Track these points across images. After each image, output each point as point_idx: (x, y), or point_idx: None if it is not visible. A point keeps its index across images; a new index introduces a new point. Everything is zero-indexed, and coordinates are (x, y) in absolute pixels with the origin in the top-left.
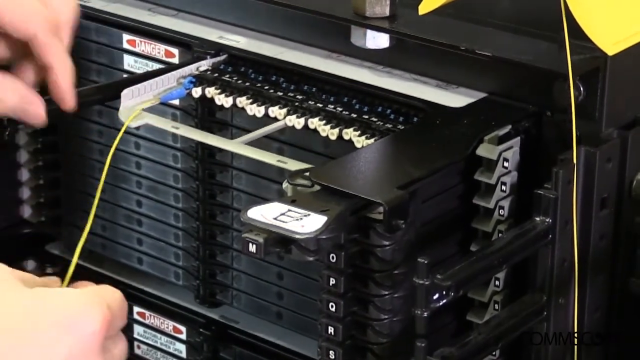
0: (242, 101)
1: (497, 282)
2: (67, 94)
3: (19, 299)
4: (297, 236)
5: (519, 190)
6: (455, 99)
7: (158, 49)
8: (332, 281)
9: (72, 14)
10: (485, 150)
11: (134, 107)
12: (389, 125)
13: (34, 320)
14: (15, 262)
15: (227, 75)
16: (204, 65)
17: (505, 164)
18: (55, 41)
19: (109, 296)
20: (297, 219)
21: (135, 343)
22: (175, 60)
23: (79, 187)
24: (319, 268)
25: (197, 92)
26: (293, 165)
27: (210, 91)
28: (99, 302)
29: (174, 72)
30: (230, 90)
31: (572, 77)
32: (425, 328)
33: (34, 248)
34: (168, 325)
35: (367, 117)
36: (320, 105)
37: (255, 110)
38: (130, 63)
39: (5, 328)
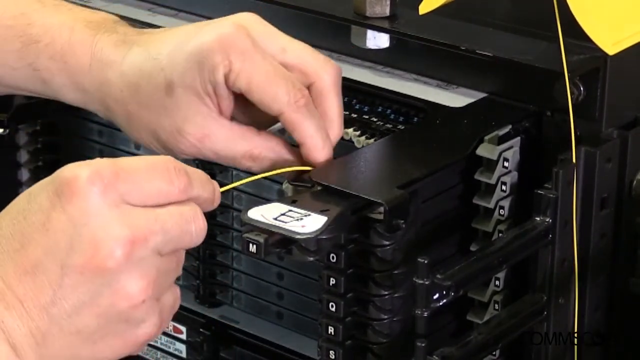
0: None
1: (497, 282)
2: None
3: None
4: (298, 236)
5: (519, 190)
6: (455, 99)
7: None
8: (332, 281)
9: (334, 78)
10: (485, 150)
11: None
12: (389, 125)
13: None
14: None
15: None
16: None
17: (506, 164)
18: (302, 117)
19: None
20: (297, 219)
21: None
22: None
23: None
24: (319, 268)
25: None
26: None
27: None
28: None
29: None
30: None
31: (571, 77)
32: (425, 328)
33: None
34: (168, 325)
35: (367, 117)
36: None
37: None
38: None
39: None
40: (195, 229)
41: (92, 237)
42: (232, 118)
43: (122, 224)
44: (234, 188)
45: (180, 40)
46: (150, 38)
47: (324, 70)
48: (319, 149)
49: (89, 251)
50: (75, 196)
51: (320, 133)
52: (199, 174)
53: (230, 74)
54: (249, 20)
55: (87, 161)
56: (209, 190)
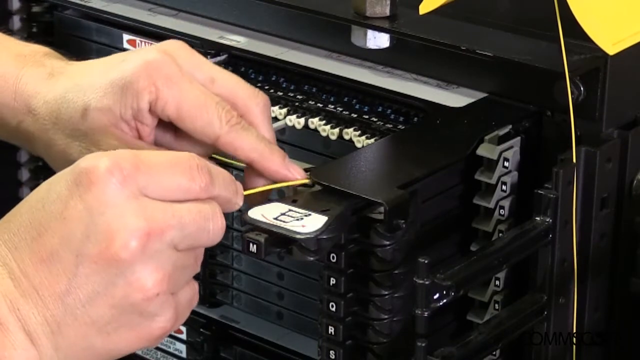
0: None
1: (497, 282)
2: (278, 176)
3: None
4: (298, 236)
5: (519, 190)
6: (455, 99)
7: None
8: (333, 281)
9: (263, 108)
10: (485, 150)
11: None
12: (389, 125)
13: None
14: None
15: None
16: None
17: (506, 164)
18: (238, 134)
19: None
20: (297, 219)
21: None
22: None
23: None
24: (319, 268)
25: None
26: None
27: None
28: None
29: None
30: None
31: (571, 77)
32: (425, 328)
33: None
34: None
35: (367, 117)
36: (321, 105)
37: None
38: None
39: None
40: (213, 228)
41: (107, 227)
42: (161, 144)
43: (138, 215)
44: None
45: (106, 68)
46: (78, 68)
47: (254, 102)
48: (268, 157)
49: (104, 241)
50: (93, 186)
51: (263, 142)
52: (223, 174)
53: (158, 101)
54: (176, 48)
55: (109, 151)
56: (231, 190)
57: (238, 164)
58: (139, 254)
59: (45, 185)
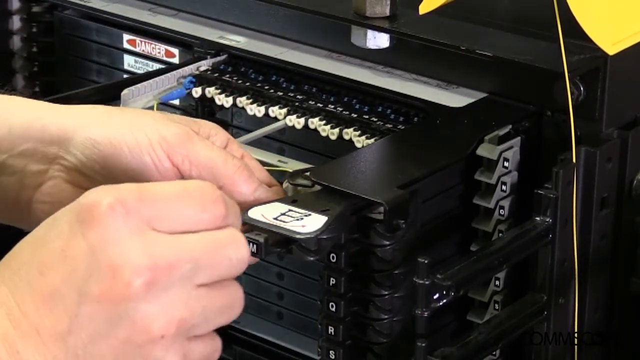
0: (242, 101)
1: (497, 282)
2: (243, 191)
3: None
4: (298, 236)
5: (519, 190)
6: (455, 99)
7: (158, 49)
8: (332, 281)
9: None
10: (485, 150)
11: (134, 107)
12: (389, 125)
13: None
14: None
15: (227, 75)
16: (204, 65)
17: (506, 164)
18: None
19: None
20: (297, 219)
21: None
22: (176, 60)
23: None
24: (319, 268)
25: (197, 92)
26: (293, 165)
27: (211, 91)
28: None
29: (174, 72)
30: (231, 90)
31: (571, 77)
32: (425, 328)
33: None
34: None
35: (367, 117)
36: (320, 105)
37: (255, 110)
38: (130, 63)
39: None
40: (235, 254)
41: (110, 265)
42: None
43: (142, 251)
44: None
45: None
46: None
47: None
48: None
49: (107, 279)
50: (95, 222)
51: (211, 158)
52: (235, 205)
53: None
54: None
55: (112, 186)
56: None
57: (285, 168)
58: (144, 293)
59: (46, 223)
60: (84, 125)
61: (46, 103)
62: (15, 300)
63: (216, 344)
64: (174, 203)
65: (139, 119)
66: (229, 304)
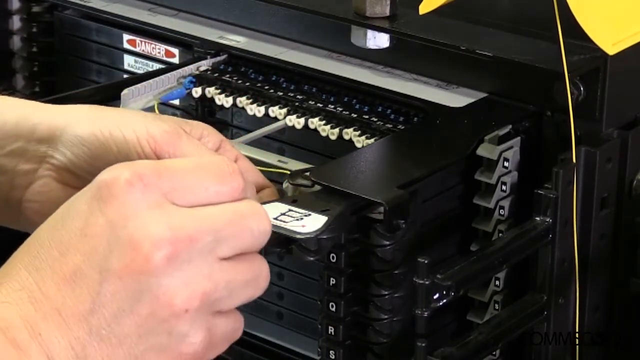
0: (242, 101)
1: (497, 282)
2: None
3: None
4: (298, 236)
5: (519, 190)
6: (455, 99)
7: (158, 49)
8: (332, 281)
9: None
10: (485, 150)
11: (134, 108)
12: (389, 125)
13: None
14: None
15: (227, 75)
16: (204, 65)
17: (506, 164)
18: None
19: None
20: (297, 219)
21: None
22: (176, 60)
23: None
24: (319, 268)
25: (197, 92)
26: (293, 165)
27: (211, 91)
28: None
29: (174, 72)
30: (230, 90)
31: (571, 77)
32: (425, 328)
33: None
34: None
35: (367, 117)
36: (320, 105)
37: (255, 110)
38: (130, 63)
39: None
40: (257, 226)
41: (130, 240)
42: None
43: (162, 224)
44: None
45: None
46: None
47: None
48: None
49: (127, 255)
50: (113, 199)
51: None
52: (250, 182)
53: None
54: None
55: (129, 162)
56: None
57: (284, 168)
58: (165, 266)
59: (64, 205)
60: (72, 123)
61: (35, 102)
62: (36, 282)
63: (239, 321)
64: (192, 176)
65: (127, 117)
66: (254, 278)
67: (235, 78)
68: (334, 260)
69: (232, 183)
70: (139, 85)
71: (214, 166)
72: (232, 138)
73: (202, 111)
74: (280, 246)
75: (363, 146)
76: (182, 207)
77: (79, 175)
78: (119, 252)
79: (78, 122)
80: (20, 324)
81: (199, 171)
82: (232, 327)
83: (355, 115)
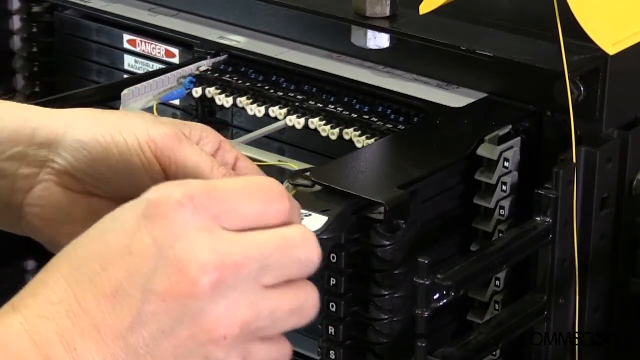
0: (242, 101)
1: (497, 282)
2: None
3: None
4: None
5: (519, 190)
6: (455, 99)
7: (158, 49)
8: (333, 281)
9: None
10: (485, 150)
11: (134, 108)
12: (389, 125)
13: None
14: (15, 262)
15: (227, 75)
16: (204, 65)
17: (506, 164)
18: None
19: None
20: None
21: None
22: (176, 60)
23: None
24: (319, 268)
25: (197, 92)
26: (293, 165)
27: (211, 91)
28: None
29: (174, 72)
30: (231, 90)
31: (571, 77)
32: (425, 328)
33: (34, 247)
34: None
35: (367, 117)
36: (320, 105)
37: (255, 110)
38: (130, 63)
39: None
40: (306, 254)
41: (176, 262)
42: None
43: (210, 248)
44: None
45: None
46: None
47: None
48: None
49: (172, 276)
50: (163, 218)
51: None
52: (297, 203)
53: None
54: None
55: (179, 181)
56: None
57: (289, 163)
58: (210, 292)
59: (108, 218)
60: (72, 127)
61: (34, 106)
62: (76, 296)
63: (285, 347)
64: (241, 198)
65: (128, 120)
66: (299, 306)
67: (235, 78)
68: (334, 260)
69: (279, 206)
70: (139, 85)
71: (262, 187)
72: (232, 138)
73: (202, 111)
74: None
75: (363, 146)
76: (230, 229)
77: (79, 178)
78: (164, 273)
79: (78, 126)
80: (56, 338)
81: (247, 193)
82: (275, 355)
83: (355, 115)
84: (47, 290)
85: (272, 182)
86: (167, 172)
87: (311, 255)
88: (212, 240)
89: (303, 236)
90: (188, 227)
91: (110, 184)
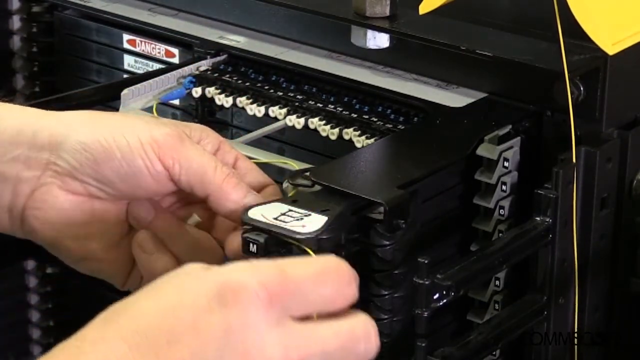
0: (242, 101)
1: (497, 282)
2: (231, 199)
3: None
4: (298, 236)
5: (519, 190)
6: (455, 99)
7: (158, 49)
8: None
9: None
10: (485, 150)
11: (134, 108)
12: (389, 125)
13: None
14: (15, 262)
15: (227, 75)
16: (204, 65)
17: (506, 164)
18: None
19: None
20: (297, 219)
21: None
22: (176, 60)
23: None
24: None
25: (197, 92)
26: (293, 165)
27: (211, 91)
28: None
29: (174, 72)
30: (230, 90)
31: (571, 77)
32: (425, 328)
33: (34, 247)
34: None
35: (367, 117)
36: (320, 105)
37: (255, 110)
38: (130, 63)
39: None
40: (365, 347)
41: (244, 352)
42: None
43: (278, 343)
44: None
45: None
46: None
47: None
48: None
49: None
50: (236, 305)
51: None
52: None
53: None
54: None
55: (256, 266)
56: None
57: (288, 163)
58: None
59: (174, 288)
60: (74, 130)
61: (36, 109)
62: None
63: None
64: (313, 286)
65: (129, 122)
66: None
67: (235, 78)
68: None
69: (348, 293)
70: (139, 85)
71: (334, 274)
72: (232, 138)
73: (202, 111)
74: (280, 246)
75: (363, 146)
76: (297, 319)
77: (82, 181)
78: None
79: (80, 128)
80: None
81: (319, 280)
82: None
83: (355, 115)
84: (104, 348)
85: (344, 268)
86: (170, 172)
87: (371, 349)
88: (281, 335)
89: (365, 330)
90: (260, 319)
91: (113, 186)
